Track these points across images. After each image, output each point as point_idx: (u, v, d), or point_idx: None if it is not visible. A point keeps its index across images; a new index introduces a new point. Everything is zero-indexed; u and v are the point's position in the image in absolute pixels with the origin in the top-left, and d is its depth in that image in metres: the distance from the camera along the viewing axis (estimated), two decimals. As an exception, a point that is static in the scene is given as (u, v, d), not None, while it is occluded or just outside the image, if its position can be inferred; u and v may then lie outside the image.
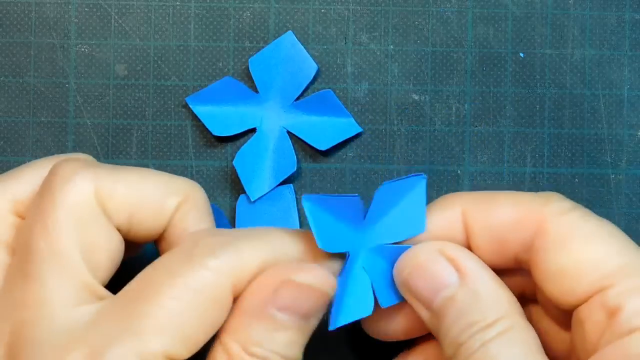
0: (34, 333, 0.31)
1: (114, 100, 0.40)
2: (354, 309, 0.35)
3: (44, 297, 0.31)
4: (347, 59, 0.41)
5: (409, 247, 0.35)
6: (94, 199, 0.32)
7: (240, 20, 0.41)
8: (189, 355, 0.31)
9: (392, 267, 0.35)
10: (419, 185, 0.35)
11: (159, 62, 0.41)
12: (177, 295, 0.30)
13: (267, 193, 0.40)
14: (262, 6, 0.41)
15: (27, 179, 0.34)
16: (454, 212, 0.34)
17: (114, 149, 0.40)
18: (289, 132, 0.40)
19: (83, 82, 0.40)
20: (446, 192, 0.40)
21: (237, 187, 0.40)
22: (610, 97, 0.41)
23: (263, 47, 0.40)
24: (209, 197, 0.40)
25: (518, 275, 0.35)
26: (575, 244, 0.32)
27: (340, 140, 0.40)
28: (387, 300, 0.35)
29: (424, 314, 0.33)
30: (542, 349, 0.32)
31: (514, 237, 0.33)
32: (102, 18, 0.40)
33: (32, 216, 0.32)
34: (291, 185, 0.40)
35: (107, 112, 0.40)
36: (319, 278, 0.32)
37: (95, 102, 0.40)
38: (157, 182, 0.34)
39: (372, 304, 0.35)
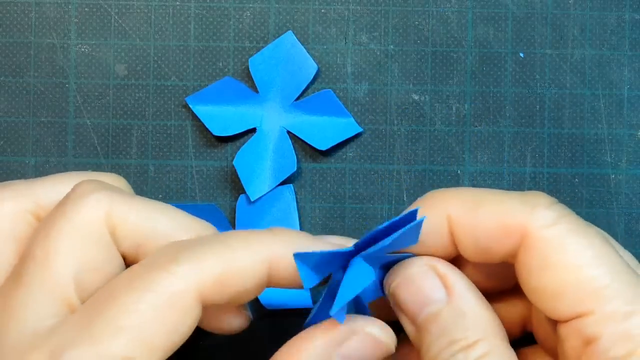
0: (4, 334, 0.31)
1: (114, 100, 0.40)
2: (350, 287, 0.33)
3: (23, 302, 0.31)
4: (347, 59, 0.41)
5: (402, 255, 0.34)
6: (103, 220, 0.32)
7: (240, 20, 0.41)
8: None
9: (377, 272, 0.34)
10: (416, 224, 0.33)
11: (159, 62, 0.41)
12: (137, 299, 0.30)
13: (267, 193, 0.40)
14: (262, 6, 0.41)
15: (54, 187, 0.34)
16: (439, 217, 0.33)
17: (114, 149, 0.40)
18: (289, 132, 0.40)
19: (83, 82, 0.40)
20: (446, 192, 0.40)
21: (237, 187, 0.40)
22: (610, 97, 0.41)
23: (263, 47, 0.40)
24: (209, 198, 0.40)
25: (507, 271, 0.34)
26: (557, 264, 0.31)
27: (341, 140, 0.40)
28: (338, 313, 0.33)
29: (409, 328, 0.33)
30: None
31: (498, 246, 0.32)
32: (102, 18, 0.40)
33: (41, 224, 0.33)
34: (291, 185, 0.40)
35: (107, 112, 0.40)
36: (387, 332, 0.33)
37: (95, 102, 0.40)
38: (170, 218, 0.33)
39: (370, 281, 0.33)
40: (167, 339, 0.30)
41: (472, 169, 0.40)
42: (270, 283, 0.33)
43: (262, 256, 0.32)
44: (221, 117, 0.40)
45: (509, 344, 0.32)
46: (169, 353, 0.31)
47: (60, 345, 0.30)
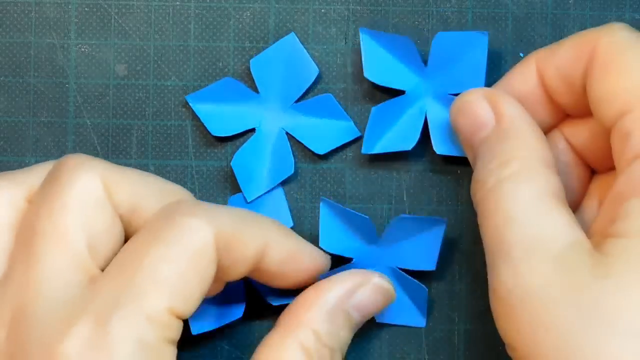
0: (35, 311, 0.31)
1: (114, 100, 0.40)
2: (396, 141, 0.39)
3: (45, 276, 0.32)
4: (347, 59, 0.41)
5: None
6: (102, 186, 0.33)
7: (240, 20, 0.41)
8: (190, 311, 0.32)
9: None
10: (481, 42, 0.39)
11: (159, 62, 0.41)
12: (169, 252, 0.32)
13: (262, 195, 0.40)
14: (262, 6, 0.41)
15: (41, 171, 0.35)
16: (529, 64, 0.36)
17: (114, 149, 0.40)
18: (287, 134, 0.40)
19: (83, 82, 0.40)
20: (445, 192, 0.40)
21: (236, 187, 0.40)
22: (610, 97, 0.41)
23: (263, 47, 0.40)
24: (208, 197, 0.40)
25: None
26: (615, 69, 0.33)
27: (339, 144, 0.40)
28: (441, 148, 0.39)
29: (469, 153, 0.36)
30: (559, 196, 0.33)
31: (575, 71, 0.34)
32: (102, 18, 0.41)
33: (38, 200, 0.33)
34: (282, 188, 0.40)
35: (107, 112, 0.40)
36: (389, 281, 0.36)
37: (95, 102, 0.40)
38: (156, 183, 0.35)
39: (415, 142, 0.39)
40: (199, 288, 0.32)
41: (472, 168, 0.40)
42: (257, 267, 0.34)
43: (264, 230, 0.34)
44: (221, 117, 0.40)
45: (550, 167, 0.33)
46: (200, 302, 0.32)
47: (104, 308, 0.31)
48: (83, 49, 0.41)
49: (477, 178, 0.34)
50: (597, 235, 0.32)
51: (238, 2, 0.41)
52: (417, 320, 0.39)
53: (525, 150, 0.34)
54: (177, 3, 0.41)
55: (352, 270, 0.36)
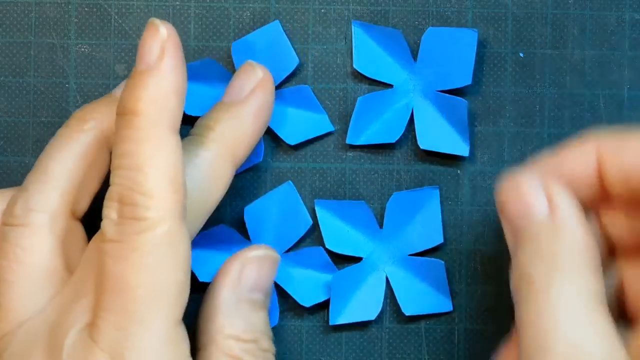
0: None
1: (114, 100, 0.40)
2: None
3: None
4: (347, 59, 0.41)
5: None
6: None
7: (240, 20, 0.41)
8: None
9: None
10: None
11: (159, 62, 0.40)
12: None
13: (270, 192, 0.40)
14: (262, 6, 0.41)
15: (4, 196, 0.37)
16: (589, 150, 0.34)
17: (114, 149, 0.40)
18: None
19: (83, 82, 0.40)
20: (446, 192, 0.40)
21: (234, 182, 0.40)
22: (610, 97, 0.41)
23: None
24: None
25: None
26: None
27: (311, 136, 0.40)
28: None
29: (510, 237, 0.34)
30: (603, 301, 0.32)
31: None
32: (102, 18, 0.41)
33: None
34: (290, 182, 0.40)
35: (107, 112, 0.40)
36: (264, 247, 0.37)
37: (95, 102, 0.40)
38: None
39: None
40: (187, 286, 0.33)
41: (472, 169, 0.40)
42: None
43: None
44: (197, 96, 0.39)
45: (598, 270, 0.32)
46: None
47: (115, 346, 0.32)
48: (83, 49, 0.41)
49: (524, 271, 0.32)
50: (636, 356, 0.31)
51: (238, 2, 0.41)
52: (443, 305, 0.39)
53: (577, 254, 0.32)
54: (177, 3, 0.41)
55: (229, 259, 0.36)
